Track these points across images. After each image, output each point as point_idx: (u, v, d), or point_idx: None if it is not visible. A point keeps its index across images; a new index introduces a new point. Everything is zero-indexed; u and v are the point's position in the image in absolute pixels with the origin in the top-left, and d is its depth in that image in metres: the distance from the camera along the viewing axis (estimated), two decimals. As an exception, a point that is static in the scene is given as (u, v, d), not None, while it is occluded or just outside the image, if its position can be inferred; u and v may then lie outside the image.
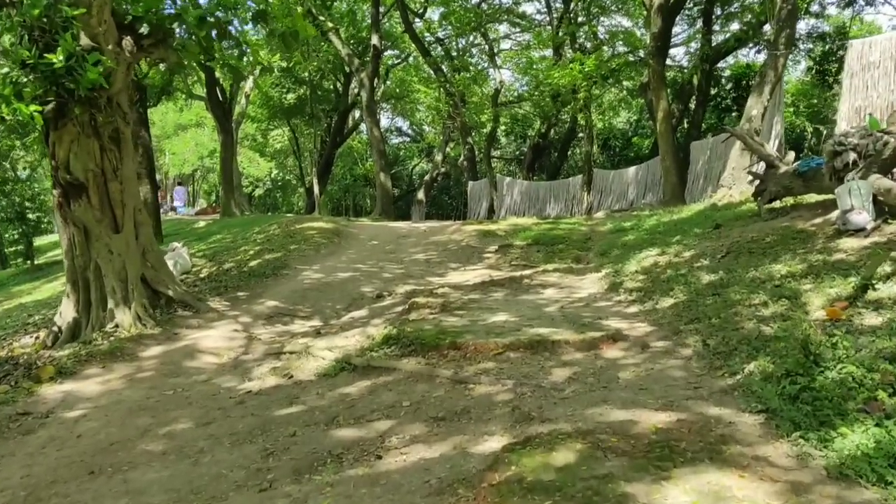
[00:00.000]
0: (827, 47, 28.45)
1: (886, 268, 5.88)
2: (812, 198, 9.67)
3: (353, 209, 48.71)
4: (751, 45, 26.85)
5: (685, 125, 25.26)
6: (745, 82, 30.15)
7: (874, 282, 5.68)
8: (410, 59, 37.48)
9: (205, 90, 23.45)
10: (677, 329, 6.23)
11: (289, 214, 27.05)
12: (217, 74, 23.46)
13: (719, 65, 27.48)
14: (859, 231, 7.42)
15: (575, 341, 6.16)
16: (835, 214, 8.35)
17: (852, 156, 8.12)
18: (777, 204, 10.12)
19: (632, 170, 22.86)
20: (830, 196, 9.05)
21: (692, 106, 24.97)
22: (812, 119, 29.20)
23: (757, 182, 10.65)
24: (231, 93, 24.23)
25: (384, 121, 53.95)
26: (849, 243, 7.21)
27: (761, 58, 33.91)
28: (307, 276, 11.96)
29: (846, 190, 7.61)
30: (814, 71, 30.37)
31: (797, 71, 34.99)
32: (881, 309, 5.32)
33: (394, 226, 18.02)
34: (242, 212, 34.94)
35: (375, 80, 36.62)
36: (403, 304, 9.41)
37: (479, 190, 29.34)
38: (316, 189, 31.20)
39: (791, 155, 10.26)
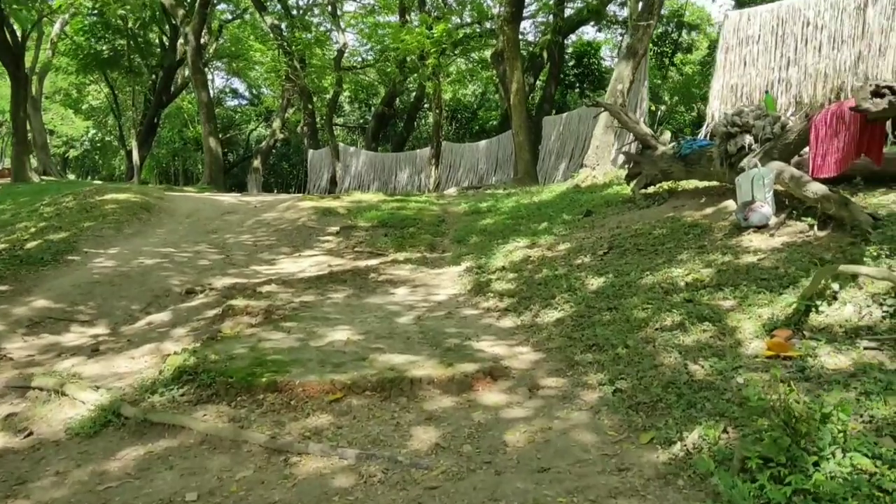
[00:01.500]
0: (662, 29, 28.66)
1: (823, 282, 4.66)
2: (690, 183, 8.59)
3: (184, 175, 44.51)
4: (593, 22, 26.41)
5: (536, 99, 24.33)
6: (586, 60, 29.88)
7: (817, 302, 4.42)
8: (247, 15, 34.15)
9: (-10, 31, 19.42)
10: (571, 359, 4.71)
11: (97, 182, 23.46)
12: (5, 13, 19.52)
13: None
14: (762, 227, 6.28)
15: (441, 379, 4.48)
16: (726, 205, 7.23)
17: (748, 139, 6.99)
18: (651, 189, 8.98)
19: (482, 144, 21.59)
20: (714, 183, 7.97)
21: (542, 80, 24.05)
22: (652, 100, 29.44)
23: (629, 164, 9.49)
24: (23, 36, 20.29)
25: (218, 81, 49.83)
26: (755, 242, 6.04)
27: (601, 36, 34.15)
28: (99, 264, 9.49)
29: (748, 179, 6.44)
30: (651, 53, 30.64)
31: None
32: (835, 342, 4.05)
33: (219, 199, 15.56)
34: (43, 175, 30.47)
35: (206, 35, 33.14)
36: (219, 304, 7.39)
37: (320, 159, 27.08)
38: (135, 153, 27.59)
39: (667, 135, 9.15)
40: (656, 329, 4.75)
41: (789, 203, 6.54)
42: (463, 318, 6.11)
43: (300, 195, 17.02)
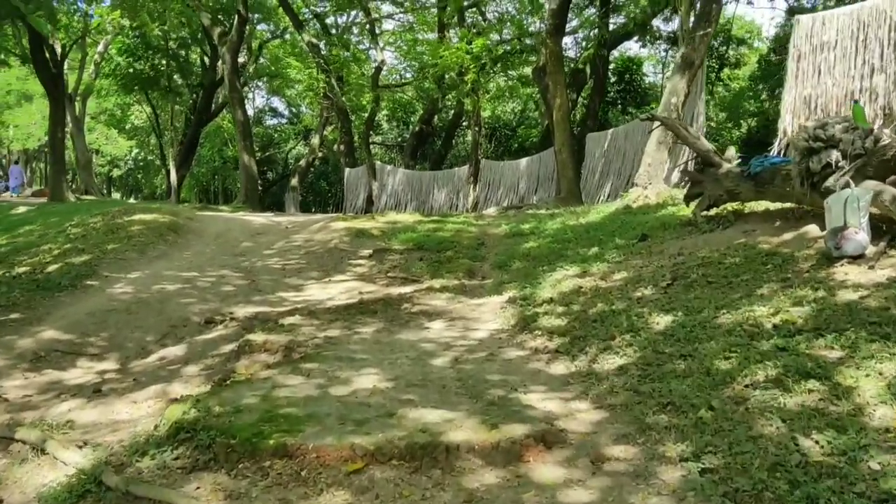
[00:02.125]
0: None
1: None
2: (760, 205, 7.66)
3: (223, 194, 44.49)
4: (637, 37, 25.52)
5: (577, 116, 23.48)
6: (628, 76, 28.96)
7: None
8: (287, 35, 33.97)
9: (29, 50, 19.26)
10: (642, 421, 3.85)
11: (132, 202, 23.12)
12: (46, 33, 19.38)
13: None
14: (857, 257, 5.35)
15: (483, 445, 3.66)
16: (808, 230, 6.30)
17: (835, 155, 6.06)
18: (713, 211, 8.07)
19: (523, 161, 20.77)
20: (789, 205, 7.04)
21: (584, 96, 23.20)
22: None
23: (687, 183, 8.59)
24: (62, 55, 20.16)
25: (258, 100, 49.97)
26: (852, 276, 5.11)
27: (644, 52, 33.19)
28: (118, 290, 8.89)
29: (840, 201, 5.52)
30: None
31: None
32: None
33: (250, 219, 14.98)
34: (85, 194, 30.49)
35: (245, 54, 33.03)
36: (237, 337, 6.70)
37: (356, 178, 26.53)
38: (173, 172, 27.42)
39: (732, 151, 8.23)
40: (746, 386, 3.87)
41: (888, 229, 5.61)
42: (507, 362, 5.28)
43: (333, 215, 16.38)
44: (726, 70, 30.12)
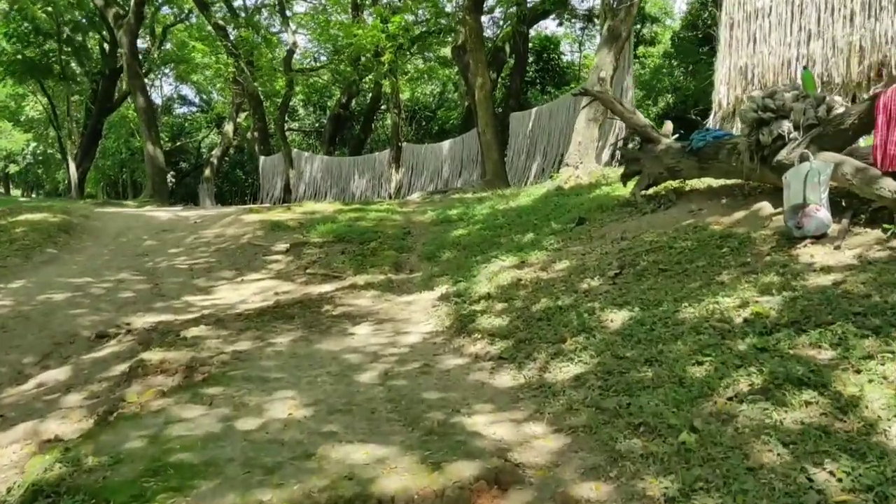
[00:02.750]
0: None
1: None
2: (703, 182, 7.19)
3: (133, 187, 42.03)
4: (555, 14, 25.11)
5: (498, 96, 22.90)
6: (546, 55, 28.61)
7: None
8: (193, 18, 32.06)
9: None
10: (612, 448, 3.19)
11: (23, 199, 21.10)
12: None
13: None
14: (820, 237, 4.87)
15: (425, 494, 2.93)
16: (760, 207, 5.82)
17: (786, 125, 5.58)
18: (652, 190, 7.56)
19: (446, 144, 20.06)
20: (735, 181, 6.58)
21: (503, 76, 22.64)
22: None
23: (622, 161, 8.07)
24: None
25: (166, 87, 47.60)
26: (818, 258, 4.62)
27: (560, 31, 32.94)
28: (-5, 303, 7.75)
29: (799, 176, 5.02)
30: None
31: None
32: None
33: (156, 215, 13.75)
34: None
35: (148, 40, 31.05)
36: (132, 355, 5.78)
37: (272, 166, 25.29)
38: (72, 167, 25.44)
39: (669, 125, 7.73)
40: (730, 399, 3.27)
41: (848, 204, 5.16)
42: (445, 373, 4.57)
43: (247, 207, 15.28)
44: (641, 48, 30.17)
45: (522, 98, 25.63)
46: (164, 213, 13.82)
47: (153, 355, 5.36)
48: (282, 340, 5.71)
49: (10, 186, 54.74)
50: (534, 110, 16.85)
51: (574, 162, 10.07)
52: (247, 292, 8.16)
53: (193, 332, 6.12)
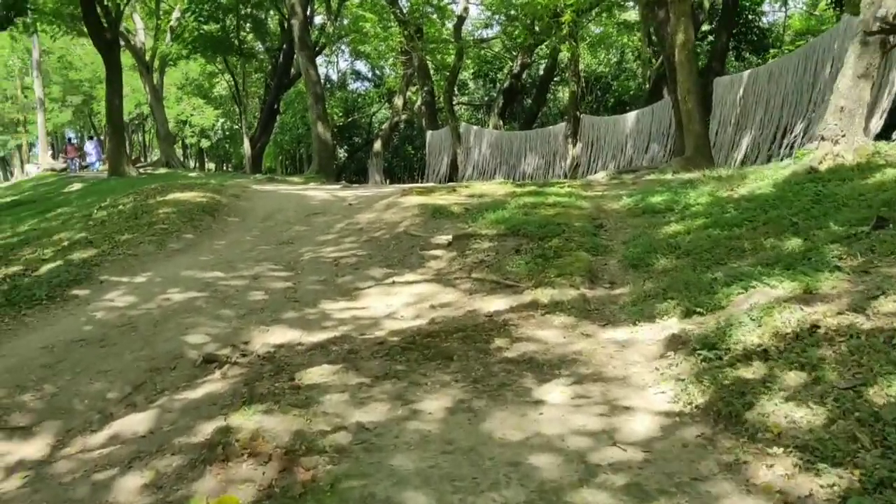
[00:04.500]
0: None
1: None
2: None
3: (308, 161, 42.45)
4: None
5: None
6: (744, 15, 24.63)
7: None
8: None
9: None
10: None
11: (192, 174, 20.71)
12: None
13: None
14: None
15: None
16: None
17: None
18: None
19: (631, 116, 17.31)
20: None
21: (703, 35, 19.34)
22: None
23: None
24: (117, 14, 18.01)
25: (342, 63, 47.70)
26: None
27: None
28: (105, 305, 6.43)
29: None
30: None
31: None
32: None
33: (311, 194, 12.34)
34: (166, 165, 28.91)
35: (324, 15, 30.40)
36: (233, 397, 4.08)
37: (439, 141, 23.63)
38: (246, 143, 25.25)
39: None
40: None
41: None
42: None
43: (407, 186, 13.53)
44: None
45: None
46: (320, 193, 12.39)
47: (246, 421, 3.56)
48: (432, 406, 3.68)
49: (205, 160, 57.91)
50: (746, 73, 13.75)
51: (832, 135, 7.23)
52: (397, 301, 6.28)
53: (313, 374, 4.28)
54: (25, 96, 44.80)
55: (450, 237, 7.99)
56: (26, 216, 12.32)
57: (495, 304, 5.67)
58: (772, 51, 25.19)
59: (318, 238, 8.94)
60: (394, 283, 6.95)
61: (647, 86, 26.76)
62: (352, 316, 5.98)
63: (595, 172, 16.18)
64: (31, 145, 45.05)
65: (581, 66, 23.72)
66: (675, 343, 4.11)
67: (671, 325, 4.45)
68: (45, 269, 7.58)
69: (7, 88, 45.84)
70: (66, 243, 8.60)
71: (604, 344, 4.40)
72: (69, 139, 38.01)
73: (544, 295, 5.53)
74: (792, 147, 11.63)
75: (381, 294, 6.62)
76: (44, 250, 8.39)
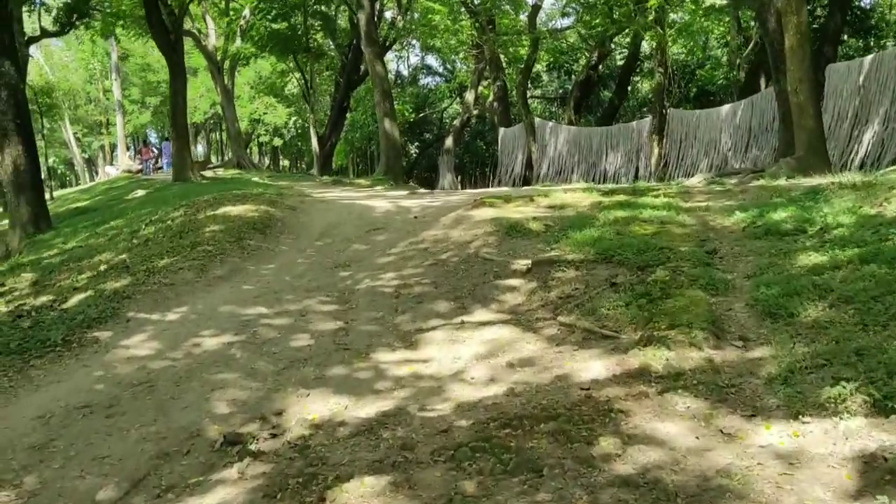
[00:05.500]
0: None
1: None
2: None
3: (379, 159, 41.71)
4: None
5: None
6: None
7: None
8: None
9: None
10: None
11: (254, 177, 19.89)
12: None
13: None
14: None
15: None
16: None
17: None
18: None
19: (725, 109, 15.54)
20: None
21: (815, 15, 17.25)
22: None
23: None
24: (179, 15, 17.38)
25: (413, 58, 46.75)
26: None
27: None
28: (128, 350, 5.48)
29: None
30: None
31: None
32: None
33: (373, 205, 11.21)
34: (237, 166, 28.55)
35: (395, 9, 29.38)
36: (258, 500, 2.92)
37: (513, 138, 22.27)
38: (313, 142, 24.55)
39: None
40: None
41: None
42: None
43: (478, 193, 12.24)
44: None
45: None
46: (383, 203, 11.26)
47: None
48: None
49: (280, 158, 58.16)
50: (868, 59, 11.90)
51: None
52: (466, 351, 5.09)
53: (350, 495, 3.11)
54: (107, 98, 45.70)
55: (528, 263, 6.73)
56: (82, 228, 11.70)
57: (592, 366, 4.39)
58: (877, 35, 22.74)
59: (378, 260, 7.83)
60: (463, 323, 5.76)
61: (736, 75, 24.67)
62: (411, 374, 4.82)
63: (684, 172, 14.58)
64: (113, 146, 45.96)
65: (675, 49, 21.88)
66: (876, 470, 2.76)
67: (856, 428, 3.09)
68: (73, 300, 6.72)
69: (90, 91, 46.92)
70: (103, 267, 7.76)
71: (759, 457, 3.07)
72: (144, 140, 38.37)
73: (657, 358, 4.22)
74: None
75: (446, 340, 5.44)
76: (79, 276, 7.57)
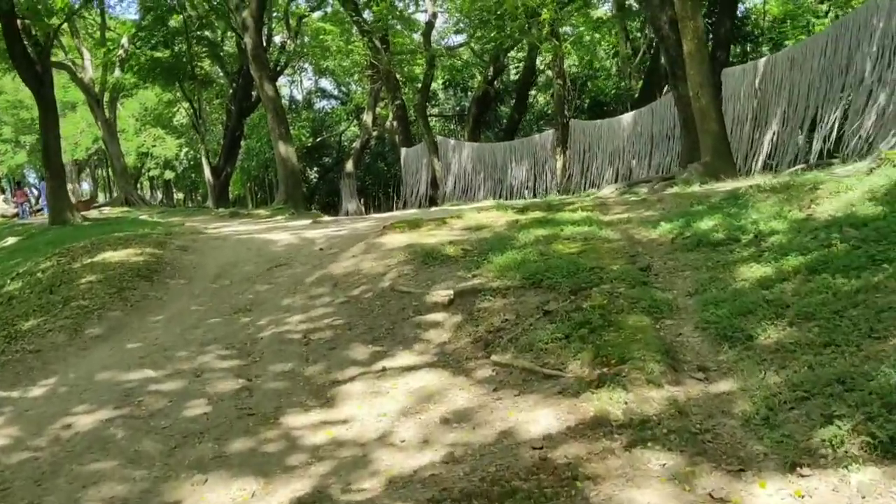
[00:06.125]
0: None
1: None
2: None
3: (277, 186, 40.24)
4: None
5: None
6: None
7: None
8: (329, 7, 29.03)
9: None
10: None
11: (141, 215, 18.46)
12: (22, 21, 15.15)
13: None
14: None
15: None
16: None
17: None
18: None
19: (627, 118, 15.53)
20: None
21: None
22: None
23: None
24: (46, 46, 15.83)
25: (306, 82, 45.63)
26: None
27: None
28: (-26, 445, 4.45)
29: None
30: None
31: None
32: None
33: (273, 238, 10.29)
34: (125, 203, 26.73)
35: (284, 31, 28.39)
36: None
37: (415, 158, 21.76)
38: (207, 173, 23.23)
39: None
40: None
41: None
42: None
43: (385, 218, 11.58)
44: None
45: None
46: (284, 235, 10.38)
47: None
48: None
49: (173, 192, 55.45)
50: (761, 61, 12.06)
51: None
52: (391, 406, 4.39)
53: None
54: (-25, 139, 42.24)
55: (450, 293, 6.10)
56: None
57: (540, 417, 3.78)
58: (752, 39, 23.70)
59: (283, 302, 7.00)
60: (384, 370, 5.05)
61: (628, 84, 25.15)
62: (329, 440, 4.08)
63: (590, 182, 14.42)
64: (-14, 189, 42.44)
65: (572, 60, 21.95)
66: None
67: (870, 483, 2.60)
68: (-87, 381, 5.56)
69: (-45, 131, 43.23)
70: (-45, 335, 6.55)
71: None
72: (18, 182, 35.50)
73: (614, 402, 3.66)
74: (827, 142, 9.92)
75: (367, 392, 4.72)
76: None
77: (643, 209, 8.37)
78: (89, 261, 8.22)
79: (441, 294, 6.17)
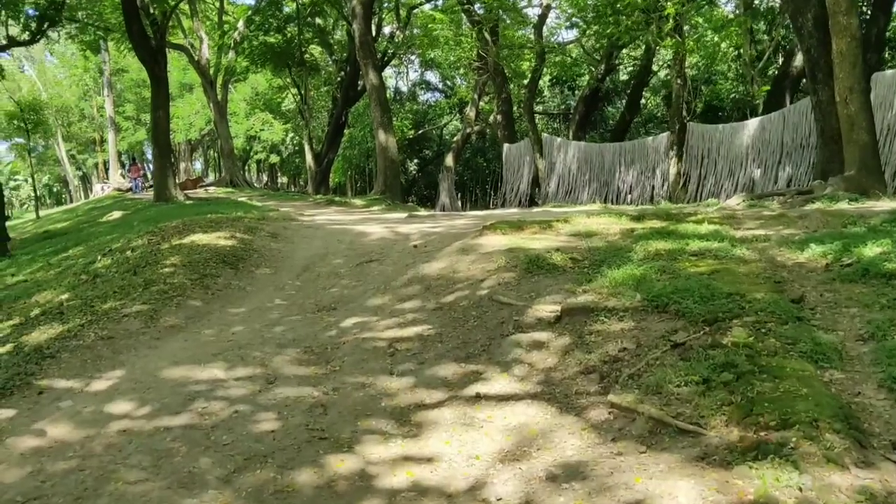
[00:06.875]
0: None
1: None
2: None
3: (376, 176, 40.27)
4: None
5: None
6: None
7: None
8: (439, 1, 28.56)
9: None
10: None
11: (241, 196, 18.51)
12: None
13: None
14: None
15: None
16: None
17: None
18: None
19: (753, 123, 14.12)
20: None
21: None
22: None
23: None
24: (162, 25, 16.00)
25: (412, 74, 45.53)
26: None
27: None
28: (28, 443, 4.00)
29: None
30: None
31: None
32: None
33: (367, 230, 9.74)
34: (230, 184, 27.17)
35: (395, 23, 28.12)
36: None
37: (518, 155, 20.86)
38: (309, 159, 23.16)
39: None
40: None
41: None
42: None
43: (485, 216, 10.83)
44: None
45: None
46: (378, 228, 9.80)
47: None
48: None
49: (278, 175, 56.76)
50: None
51: None
52: (486, 447, 3.65)
53: None
54: (100, 115, 44.42)
55: (557, 309, 5.27)
56: (41, 256, 10.24)
57: (678, 490, 2.92)
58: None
59: (370, 302, 6.37)
60: (478, 397, 4.31)
61: (751, 88, 23.37)
62: (410, 486, 3.38)
63: (707, 191, 13.15)
64: (107, 164, 44.63)
65: (694, 60, 20.48)
66: None
67: None
68: (-12, 357, 5.26)
69: (83, 108, 45.66)
70: (35, 311, 6.29)
71: None
72: (133, 158, 36.95)
73: (781, 484, 2.76)
74: None
75: (458, 422, 3.99)
76: (6, 322, 6.10)
77: (781, 226, 7.23)
78: (178, 242, 7.88)
79: (546, 309, 5.37)
